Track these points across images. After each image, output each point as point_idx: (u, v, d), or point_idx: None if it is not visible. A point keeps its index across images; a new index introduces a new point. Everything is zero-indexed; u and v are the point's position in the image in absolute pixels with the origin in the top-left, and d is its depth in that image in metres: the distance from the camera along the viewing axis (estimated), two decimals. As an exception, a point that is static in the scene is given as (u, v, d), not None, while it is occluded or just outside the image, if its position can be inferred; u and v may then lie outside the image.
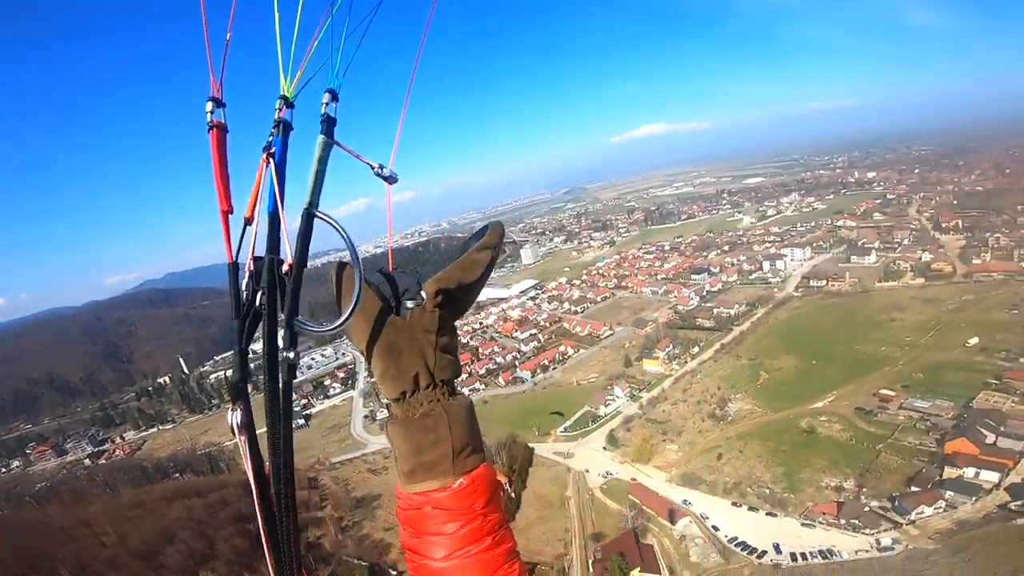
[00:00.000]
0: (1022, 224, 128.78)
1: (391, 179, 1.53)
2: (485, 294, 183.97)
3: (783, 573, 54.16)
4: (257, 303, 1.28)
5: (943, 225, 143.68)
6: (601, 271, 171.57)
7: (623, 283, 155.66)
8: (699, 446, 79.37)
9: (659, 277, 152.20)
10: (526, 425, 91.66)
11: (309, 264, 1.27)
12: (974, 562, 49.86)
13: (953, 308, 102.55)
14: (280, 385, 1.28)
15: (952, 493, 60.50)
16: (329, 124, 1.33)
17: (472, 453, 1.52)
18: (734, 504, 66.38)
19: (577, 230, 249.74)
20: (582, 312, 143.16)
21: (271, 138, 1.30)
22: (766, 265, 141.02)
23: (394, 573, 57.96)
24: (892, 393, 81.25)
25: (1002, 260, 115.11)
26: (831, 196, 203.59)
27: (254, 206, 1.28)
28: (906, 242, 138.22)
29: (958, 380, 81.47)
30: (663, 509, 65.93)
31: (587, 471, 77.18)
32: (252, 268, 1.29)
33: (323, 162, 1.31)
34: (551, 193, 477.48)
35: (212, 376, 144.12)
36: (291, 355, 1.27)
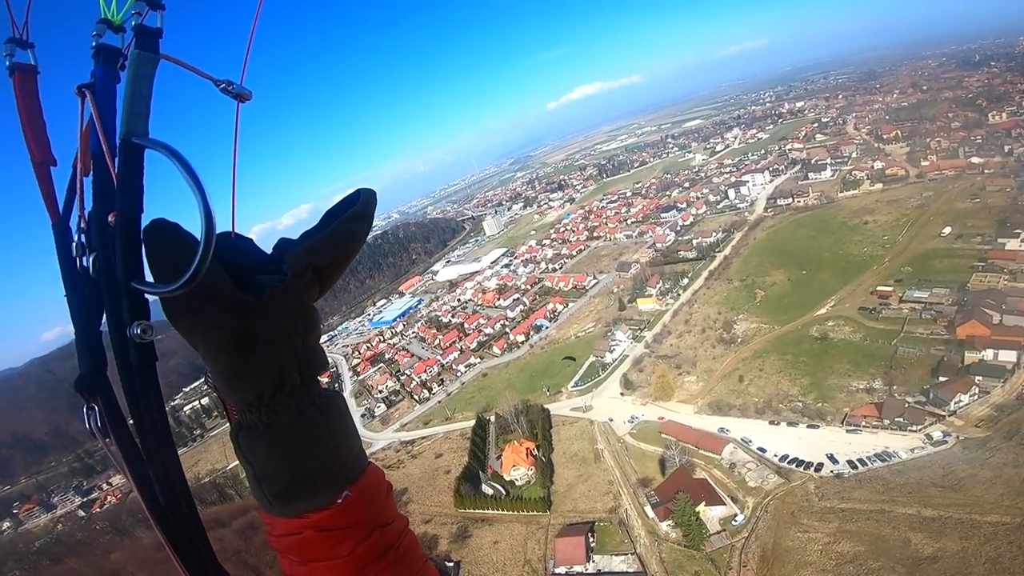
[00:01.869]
0: (956, 128, 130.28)
1: (242, 96, 1.25)
2: (456, 271, 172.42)
3: (849, 481, 49.35)
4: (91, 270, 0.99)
5: (884, 137, 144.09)
6: (569, 227, 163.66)
7: (595, 233, 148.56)
8: (717, 373, 74.02)
9: (630, 221, 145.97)
10: (534, 388, 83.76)
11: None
12: (1032, 443, 46.44)
13: (918, 205, 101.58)
14: (132, 369, 0.97)
15: (981, 377, 57.61)
16: (148, 37, 1.06)
17: (355, 458, 1.22)
18: (771, 423, 61.33)
19: (533, 194, 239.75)
20: (561, 268, 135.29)
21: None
22: (731, 193, 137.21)
23: (451, 564, 51.39)
24: (889, 289, 78.51)
25: (949, 159, 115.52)
26: (771, 126, 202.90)
27: (86, 154, 1.02)
28: (855, 155, 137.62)
29: (945, 267, 79.78)
30: (702, 441, 60.04)
31: (611, 420, 70.18)
32: (84, 227, 1.02)
33: (141, 80, 1.02)
34: (497, 167, 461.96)
35: (186, 408, 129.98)
36: (138, 329, 0.95)
